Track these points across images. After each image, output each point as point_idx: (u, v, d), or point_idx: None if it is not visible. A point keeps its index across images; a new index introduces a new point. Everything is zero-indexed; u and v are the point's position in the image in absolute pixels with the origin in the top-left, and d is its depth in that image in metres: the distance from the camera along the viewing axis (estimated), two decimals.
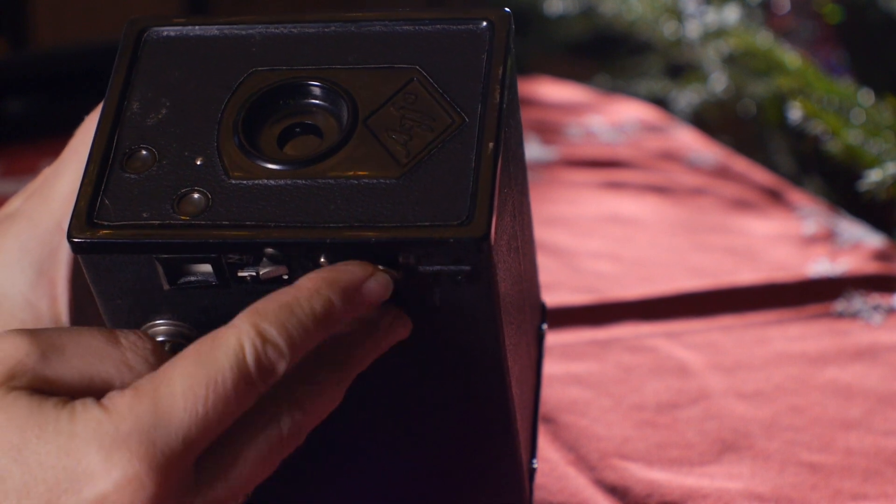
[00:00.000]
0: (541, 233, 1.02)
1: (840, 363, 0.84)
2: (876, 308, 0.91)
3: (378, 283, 0.49)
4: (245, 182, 0.50)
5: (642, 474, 0.70)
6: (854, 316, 0.90)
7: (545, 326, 0.66)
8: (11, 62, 1.40)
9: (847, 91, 1.15)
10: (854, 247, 1.01)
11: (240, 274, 0.49)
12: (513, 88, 0.54)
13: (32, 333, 0.46)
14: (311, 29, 0.54)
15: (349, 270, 0.48)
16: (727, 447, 0.74)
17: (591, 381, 0.80)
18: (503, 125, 0.50)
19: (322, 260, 0.49)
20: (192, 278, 0.50)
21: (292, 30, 0.54)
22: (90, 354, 0.46)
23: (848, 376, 0.82)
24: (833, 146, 1.10)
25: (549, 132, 1.24)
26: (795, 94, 1.16)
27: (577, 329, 0.87)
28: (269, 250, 0.49)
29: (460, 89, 0.52)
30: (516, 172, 0.55)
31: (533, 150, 1.21)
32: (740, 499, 0.69)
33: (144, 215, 0.50)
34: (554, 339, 0.85)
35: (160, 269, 0.49)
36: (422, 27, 0.53)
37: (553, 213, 1.08)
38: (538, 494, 0.68)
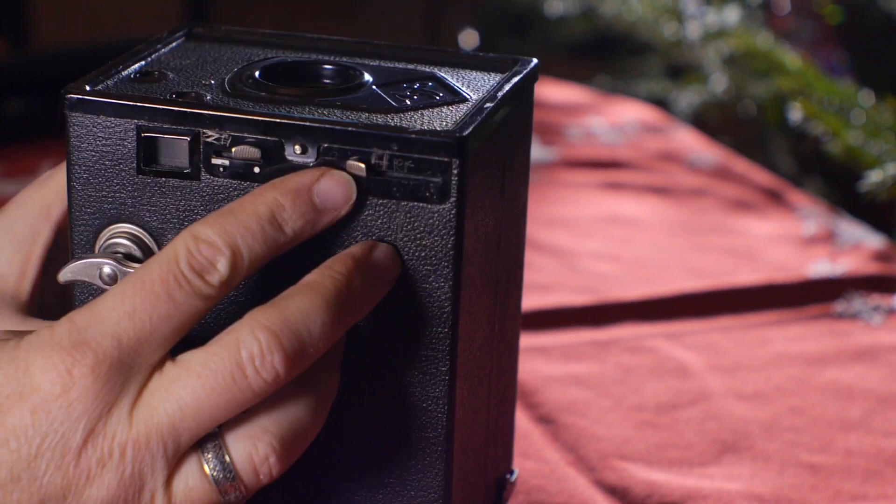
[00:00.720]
0: (541, 233, 1.02)
1: (840, 364, 0.84)
2: (876, 309, 0.91)
3: (333, 180, 0.49)
4: (244, 92, 0.53)
5: (642, 475, 0.70)
6: (854, 317, 0.90)
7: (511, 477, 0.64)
8: (12, 63, 1.39)
9: (847, 92, 1.15)
10: (854, 247, 1.01)
11: (213, 161, 0.50)
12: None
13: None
14: None
15: (298, 173, 0.49)
16: (727, 448, 0.74)
17: (590, 381, 0.80)
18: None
19: (296, 146, 0.49)
20: (166, 162, 0.51)
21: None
22: None
23: (848, 377, 0.82)
24: (833, 147, 1.10)
25: (549, 133, 1.24)
26: (796, 94, 1.16)
27: (577, 330, 0.87)
28: (247, 136, 0.49)
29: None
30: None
31: (533, 150, 1.21)
32: (740, 499, 0.69)
33: (139, 93, 0.52)
34: (554, 339, 0.85)
35: (138, 147, 0.51)
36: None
37: (553, 213, 1.08)
38: (538, 496, 0.68)
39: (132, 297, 0.46)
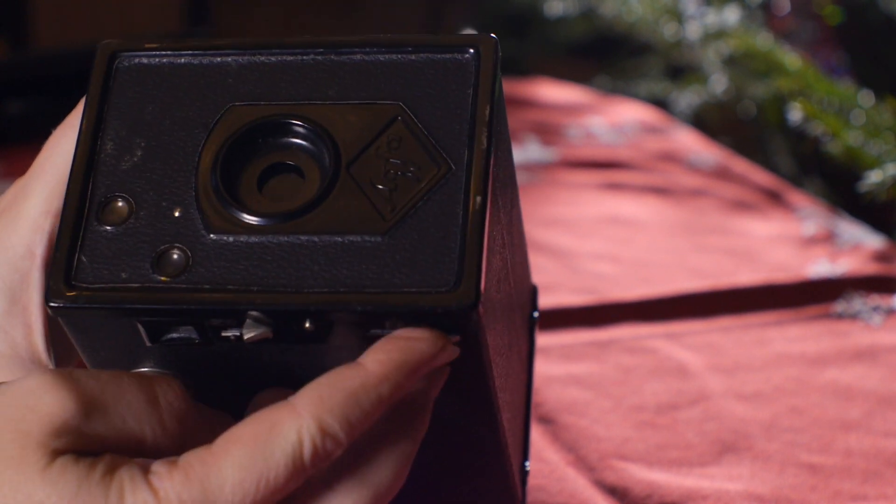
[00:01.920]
0: (540, 234, 1.02)
1: (840, 364, 0.84)
2: (876, 309, 0.91)
3: (447, 354, 0.47)
4: (225, 238, 0.48)
5: (642, 475, 0.70)
6: (854, 317, 0.90)
7: (537, 314, 0.65)
8: (11, 63, 1.40)
9: (847, 92, 1.15)
10: (854, 248, 1.01)
11: (223, 334, 0.48)
12: (501, 117, 0.52)
13: (75, 387, 0.45)
14: (289, 57, 0.52)
15: (419, 350, 0.46)
16: (727, 448, 0.74)
17: (590, 381, 0.80)
18: (490, 174, 0.49)
19: (307, 325, 0.47)
20: (175, 335, 0.49)
21: (270, 58, 0.51)
22: (130, 414, 0.45)
23: (848, 377, 0.82)
24: (833, 147, 1.10)
25: (548, 133, 1.24)
26: (795, 95, 1.16)
27: (577, 330, 0.87)
28: (254, 313, 0.47)
29: (445, 130, 0.49)
30: (504, 202, 0.54)
31: (533, 151, 1.21)
32: (740, 500, 0.69)
33: (123, 276, 0.48)
34: (553, 340, 0.85)
35: (142, 330, 0.48)
36: (405, 56, 0.51)
37: (553, 214, 1.08)
38: (538, 496, 0.68)
39: (254, 493, 0.44)
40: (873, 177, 1.02)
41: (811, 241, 1.03)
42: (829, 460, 0.73)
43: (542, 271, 0.95)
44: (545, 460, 0.71)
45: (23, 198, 0.52)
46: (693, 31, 1.48)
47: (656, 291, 0.92)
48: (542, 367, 0.81)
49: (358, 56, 0.51)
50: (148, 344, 0.49)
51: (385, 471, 0.47)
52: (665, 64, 1.64)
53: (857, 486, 0.71)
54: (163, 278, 0.48)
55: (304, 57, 0.52)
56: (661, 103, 1.53)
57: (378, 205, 0.48)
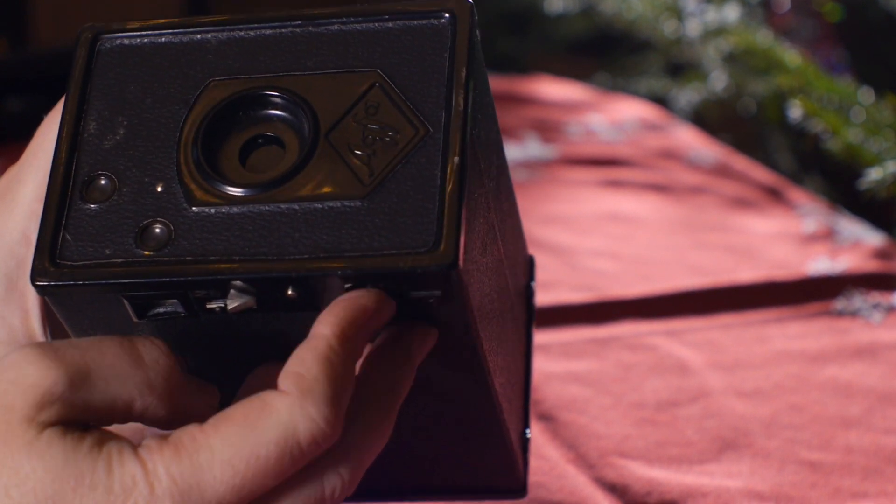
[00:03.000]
0: (540, 231, 1.02)
1: (840, 361, 0.84)
2: (876, 306, 0.91)
3: (390, 308, 0.48)
4: (207, 210, 0.49)
5: (642, 472, 0.70)
6: (854, 314, 0.90)
7: (534, 284, 0.65)
8: (11, 61, 1.40)
9: (847, 89, 1.15)
10: (854, 245, 1.01)
11: (208, 306, 0.48)
12: (480, 81, 0.52)
13: (56, 356, 0.45)
14: (267, 31, 0.52)
15: (362, 306, 0.47)
16: (727, 445, 0.74)
17: (590, 379, 0.80)
18: (468, 135, 0.49)
19: (290, 292, 0.48)
20: (161, 310, 0.49)
21: (248, 32, 0.52)
22: (114, 376, 0.45)
23: (848, 375, 0.82)
24: (833, 145, 1.10)
25: (548, 131, 1.24)
26: (795, 92, 1.16)
27: (577, 327, 0.87)
28: (237, 283, 0.48)
29: (423, 94, 0.50)
30: (488, 167, 0.54)
31: (533, 148, 1.21)
32: (740, 497, 0.69)
33: (107, 252, 0.48)
34: (553, 337, 0.85)
35: (128, 306, 0.49)
36: (381, 24, 0.52)
37: (553, 211, 1.08)
38: (538, 493, 0.68)
39: (244, 471, 0.44)
40: (873, 174, 1.02)
41: (811, 239, 1.03)
42: (829, 457, 0.73)
43: (542, 268, 0.94)
44: (545, 457, 0.71)
45: (16, 184, 0.53)
46: (693, 28, 1.48)
47: (656, 288, 0.92)
48: (541, 365, 0.81)
49: (335, 27, 0.52)
50: (135, 320, 0.49)
51: (365, 437, 0.47)
52: (665, 61, 1.64)
53: (857, 483, 0.71)
54: (146, 252, 0.48)
55: (283, 30, 0.52)
56: (661, 100, 1.53)
57: (357, 170, 0.49)
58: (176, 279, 0.48)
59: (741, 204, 1.11)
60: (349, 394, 0.46)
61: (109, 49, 0.53)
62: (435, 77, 0.50)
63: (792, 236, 1.04)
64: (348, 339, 0.46)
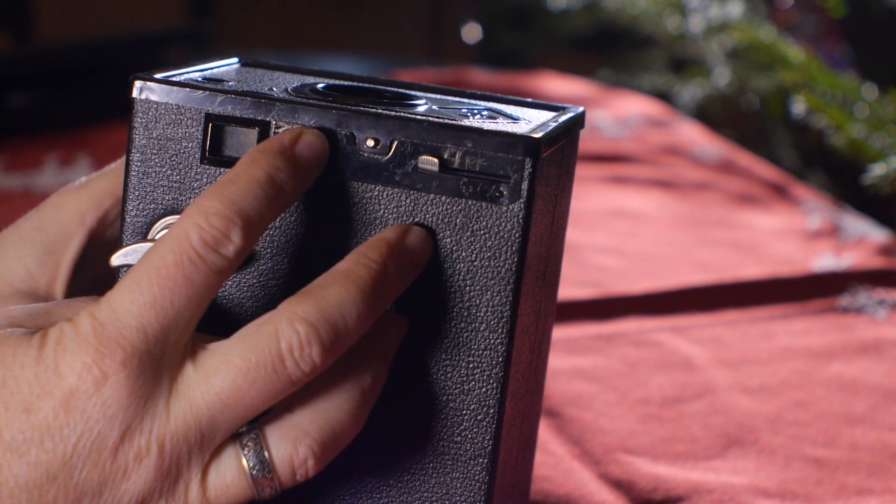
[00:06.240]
0: None
1: (845, 358, 0.84)
2: (881, 303, 0.91)
3: (311, 134, 0.49)
4: (310, 97, 0.52)
5: (647, 468, 0.70)
6: (859, 311, 0.90)
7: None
8: (14, 56, 1.39)
9: (851, 85, 1.15)
10: (859, 241, 1.01)
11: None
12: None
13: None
14: None
15: (277, 135, 0.49)
16: (732, 442, 0.74)
17: (595, 375, 0.80)
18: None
19: (369, 142, 0.49)
20: (231, 155, 0.50)
21: None
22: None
23: (853, 371, 0.82)
24: (837, 140, 1.10)
25: None
26: (799, 88, 1.16)
27: (582, 323, 0.87)
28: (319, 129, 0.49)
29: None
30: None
31: None
32: (745, 493, 0.69)
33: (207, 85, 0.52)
34: (558, 333, 0.85)
35: (205, 135, 0.50)
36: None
37: None
38: (543, 486, 0.68)
39: (150, 286, 0.46)
40: (877, 169, 1.02)
41: (816, 235, 1.02)
42: (834, 454, 0.73)
43: None
44: (550, 453, 0.71)
45: (99, 175, 0.56)
46: (696, 24, 1.48)
47: (661, 285, 0.92)
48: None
49: None
50: (200, 163, 0.51)
51: (340, 411, 0.48)
52: (668, 57, 1.64)
53: (862, 479, 0.70)
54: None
55: None
56: (664, 96, 1.53)
57: (457, 116, 0.53)
58: (268, 100, 0.50)
59: (746, 200, 1.11)
60: (254, 203, 0.47)
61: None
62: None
63: (797, 233, 1.04)
64: (256, 162, 0.48)
